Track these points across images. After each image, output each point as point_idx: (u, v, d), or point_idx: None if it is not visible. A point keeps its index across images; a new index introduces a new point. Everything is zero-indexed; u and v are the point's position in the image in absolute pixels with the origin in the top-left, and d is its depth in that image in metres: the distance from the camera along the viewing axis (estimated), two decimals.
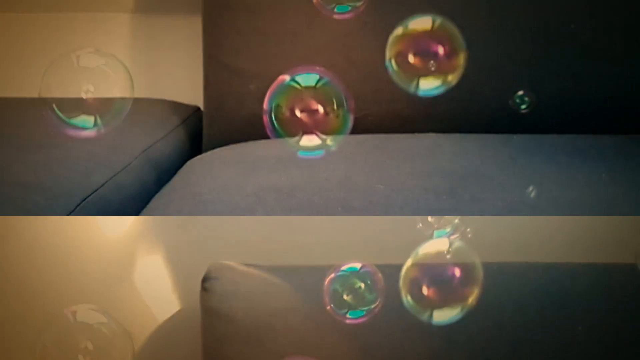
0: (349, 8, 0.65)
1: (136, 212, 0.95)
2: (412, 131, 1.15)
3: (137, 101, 1.40)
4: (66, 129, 0.66)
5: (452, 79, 0.61)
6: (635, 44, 1.20)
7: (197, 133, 1.31)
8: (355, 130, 1.17)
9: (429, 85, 0.61)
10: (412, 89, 0.61)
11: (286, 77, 0.65)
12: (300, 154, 0.64)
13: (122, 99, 0.67)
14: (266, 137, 1.18)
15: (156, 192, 1.00)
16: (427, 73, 0.60)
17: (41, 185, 0.91)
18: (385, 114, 1.20)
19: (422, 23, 0.62)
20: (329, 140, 0.64)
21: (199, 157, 1.16)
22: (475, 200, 0.85)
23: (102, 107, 0.67)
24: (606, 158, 1.04)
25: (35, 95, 1.43)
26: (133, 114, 1.29)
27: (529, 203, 0.85)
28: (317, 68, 0.65)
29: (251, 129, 1.21)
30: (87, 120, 0.68)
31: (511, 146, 1.08)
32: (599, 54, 1.20)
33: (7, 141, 1.07)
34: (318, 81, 0.64)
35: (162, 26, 1.50)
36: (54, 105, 0.64)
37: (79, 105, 0.67)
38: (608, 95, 1.21)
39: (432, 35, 0.61)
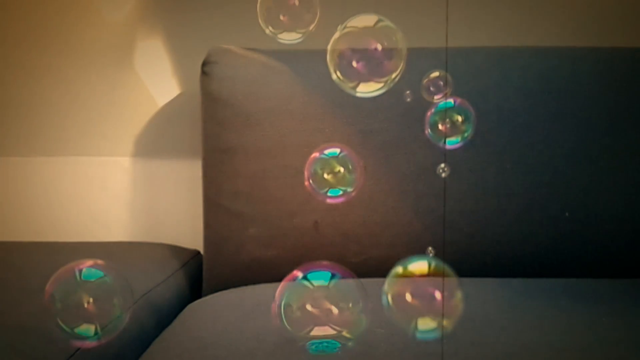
0: (341, 192, 0.67)
1: (136, 356, 0.94)
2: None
3: (137, 245, 1.42)
4: (70, 340, 0.67)
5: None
6: (633, 189, 1.23)
7: (197, 277, 1.31)
8: (355, 274, 1.18)
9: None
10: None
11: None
12: None
13: (122, 310, 0.69)
14: (266, 281, 1.19)
15: (156, 336, 0.99)
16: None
17: (41, 330, 0.90)
18: (385, 257, 1.21)
19: None
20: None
21: (199, 301, 1.16)
22: (476, 345, 0.85)
23: (102, 316, 0.69)
24: (606, 302, 1.04)
25: (36, 239, 1.45)
26: (133, 257, 1.31)
27: (529, 347, 0.84)
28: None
29: (251, 273, 1.21)
30: (88, 329, 0.69)
31: (511, 290, 1.08)
32: (597, 199, 1.22)
33: (7, 285, 1.07)
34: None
35: (162, 170, 1.53)
36: (59, 320, 0.66)
37: (81, 315, 0.68)
38: (607, 240, 1.22)
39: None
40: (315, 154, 0.65)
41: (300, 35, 0.60)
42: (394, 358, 0.82)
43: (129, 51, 1.51)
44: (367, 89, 0.59)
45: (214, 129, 1.27)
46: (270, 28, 0.59)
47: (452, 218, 1.21)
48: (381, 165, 1.20)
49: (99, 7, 1.49)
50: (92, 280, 0.68)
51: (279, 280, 1.19)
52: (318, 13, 0.59)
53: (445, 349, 0.83)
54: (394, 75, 0.59)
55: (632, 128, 1.24)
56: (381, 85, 0.59)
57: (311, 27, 0.59)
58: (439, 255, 0.71)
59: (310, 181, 0.64)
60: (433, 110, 0.66)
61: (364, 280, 1.14)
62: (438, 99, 0.68)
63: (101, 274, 0.67)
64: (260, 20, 0.58)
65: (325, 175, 0.65)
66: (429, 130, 0.66)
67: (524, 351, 0.83)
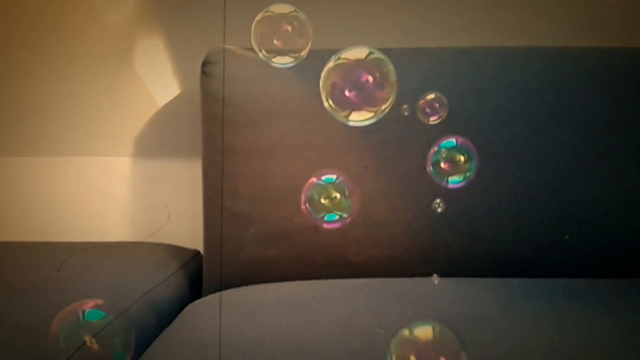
0: (336, 217, 0.68)
1: (136, 357, 0.94)
2: (412, 275, 1.15)
3: (137, 245, 1.42)
4: None
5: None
6: (633, 189, 1.23)
7: (197, 277, 1.31)
8: (355, 274, 1.19)
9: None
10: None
11: None
12: None
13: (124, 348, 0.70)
14: (265, 281, 1.19)
15: (156, 336, 0.99)
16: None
17: (41, 329, 0.90)
18: (385, 257, 1.21)
19: None
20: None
21: (198, 301, 1.16)
22: (476, 345, 0.85)
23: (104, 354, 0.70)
24: (605, 302, 1.04)
25: (36, 239, 1.45)
26: (133, 257, 1.31)
27: (529, 347, 0.84)
28: None
29: (251, 273, 1.21)
30: None
31: (511, 290, 1.08)
32: (597, 199, 1.23)
33: (7, 285, 1.07)
34: None
35: (162, 170, 1.53)
36: None
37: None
38: (607, 240, 1.22)
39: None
40: (313, 179, 0.65)
41: (292, 60, 0.60)
42: None
43: (129, 51, 1.51)
44: (359, 118, 0.60)
45: (214, 129, 1.27)
46: (264, 52, 0.60)
47: (452, 218, 1.21)
48: (381, 165, 1.20)
49: (99, 8, 1.49)
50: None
51: (279, 280, 1.20)
52: (311, 38, 0.60)
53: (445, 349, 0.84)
54: (384, 107, 0.60)
55: (632, 128, 1.24)
56: (371, 115, 0.59)
57: (303, 53, 0.60)
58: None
59: (307, 205, 0.65)
60: (435, 149, 0.66)
61: (364, 280, 1.15)
62: (433, 120, 0.68)
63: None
64: (253, 45, 0.59)
65: (322, 201, 0.65)
66: (431, 168, 0.66)
67: (524, 351, 0.83)
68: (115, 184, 1.54)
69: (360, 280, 1.14)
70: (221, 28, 1.40)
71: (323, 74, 0.59)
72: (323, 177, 0.66)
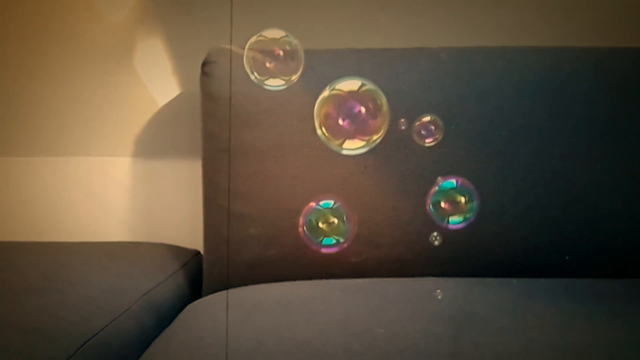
0: (334, 241, 0.69)
1: (136, 356, 0.94)
2: (412, 275, 1.15)
3: (137, 245, 1.42)
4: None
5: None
6: (633, 189, 1.23)
7: (197, 277, 1.31)
8: (355, 274, 1.19)
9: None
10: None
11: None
12: None
13: None
14: (265, 281, 1.19)
15: (156, 336, 0.99)
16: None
17: (41, 329, 0.90)
18: (385, 257, 1.21)
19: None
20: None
21: (199, 301, 1.16)
22: (476, 345, 0.85)
23: None
24: (605, 302, 1.04)
25: (36, 239, 1.45)
26: (133, 257, 1.31)
27: (529, 347, 0.84)
28: None
29: (251, 273, 1.21)
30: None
31: (511, 290, 1.08)
32: (597, 199, 1.23)
33: (6, 285, 1.07)
34: None
35: (162, 170, 1.53)
36: None
37: None
38: (607, 240, 1.22)
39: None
40: (312, 204, 0.66)
41: (284, 82, 0.62)
42: (394, 358, 0.82)
43: (129, 51, 1.51)
44: (352, 146, 0.61)
45: (214, 129, 1.27)
46: (256, 74, 0.61)
47: None
48: (381, 165, 1.20)
49: (99, 7, 1.49)
50: None
51: (279, 280, 1.20)
52: (303, 62, 0.61)
53: (445, 349, 0.84)
54: (375, 137, 0.61)
55: (632, 128, 1.24)
56: (364, 144, 0.60)
57: (294, 78, 0.61)
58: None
59: (305, 229, 0.66)
60: (436, 189, 0.67)
61: (363, 280, 1.15)
62: (429, 142, 0.69)
63: None
64: (246, 67, 0.61)
65: (320, 225, 0.67)
66: (431, 207, 0.67)
67: (524, 351, 0.83)
68: (115, 184, 1.54)
69: (360, 280, 1.14)
70: (221, 28, 1.40)
71: (317, 103, 0.60)
72: (321, 203, 0.67)
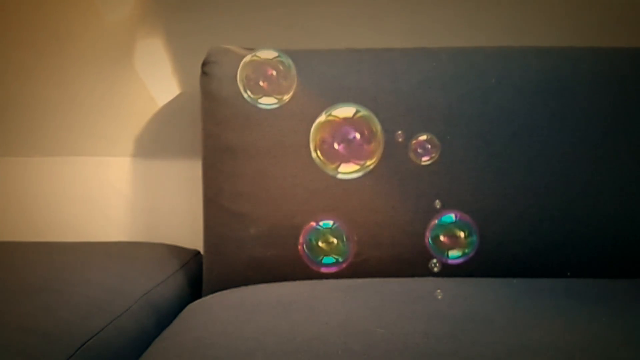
0: (334, 261, 0.70)
1: (136, 356, 0.94)
2: (412, 275, 1.15)
3: (137, 245, 1.42)
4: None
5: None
6: (633, 189, 1.23)
7: (197, 277, 1.31)
8: (355, 274, 1.19)
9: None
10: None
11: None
12: None
13: None
14: (265, 281, 1.19)
15: (156, 336, 0.99)
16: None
17: (41, 329, 0.90)
18: (385, 257, 1.21)
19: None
20: None
21: (199, 301, 1.16)
22: (476, 344, 0.85)
23: None
24: (605, 302, 1.04)
25: (36, 239, 1.45)
26: (133, 257, 1.31)
27: (530, 347, 0.84)
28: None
29: (251, 273, 1.21)
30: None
31: (511, 290, 1.08)
32: (597, 199, 1.23)
33: (6, 285, 1.07)
34: None
35: (162, 170, 1.53)
36: None
37: None
38: (607, 240, 1.22)
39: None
40: (312, 224, 0.67)
41: (276, 101, 0.63)
42: (394, 358, 0.82)
43: (129, 51, 1.51)
44: (347, 170, 0.62)
45: (214, 129, 1.27)
46: (249, 93, 0.62)
47: None
48: (381, 165, 1.20)
49: (99, 7, 1.49)
50: None
51: (279, 280, 1.20)
52: (295, 82, 0.62)
53: (445, 349, 0.84)
54: (368, 163, 0.62)
55: (632, 128, 1.24)
56: (358, 167, 0.61)
57: (285, 97, 0.63)
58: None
59: (304, 247, 0.67)
60: (435, 222, 0.67)
61: (363, 280, 1.14)
62: (425, 160, 0.70)
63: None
64: (239, 86, 0.61)
65: (320, 244, 0.67)
66: (430, 241, 0.67)
67: (524, 351, 0.83)
68: (115, 184, 1.54)
69: (360, 280, 1.14)
70: (221, 28, 1.41)
71: (313, 128, 0.61)
72: (321, 223, 0.68)
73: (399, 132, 0.69)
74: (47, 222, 1.54)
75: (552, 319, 0.94)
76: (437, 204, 0.92)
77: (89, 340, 0.93)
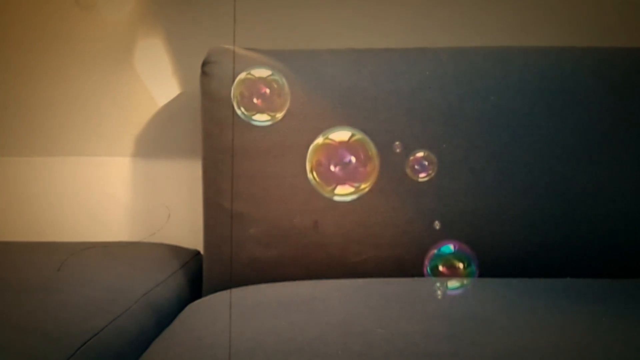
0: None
1: (136, 356, 0.94)
2: (412, 275, 1.15)
3: (137, 245, 1.42)
4: None
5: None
6: (633, 189, 1.23)
7: (197, 277, 1.31)
8: (355, 274, 1.19)
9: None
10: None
11: None
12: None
13: None
14: (265, 281, 1.19)
15: (156, 336, 0.99)
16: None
17: (41, 329, 0.90)
18: (385, 258, 1.21)
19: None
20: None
21: (199, 301, 1.16)
22: (476, 345, 0.85)
23: None
24: (605, 302, 1.04)
25: (36, 239, 1.45)
26: (133, 257, 1.31)
27: (530, 347, 0.84)
28: None
29: (251, 273, 1.21)
30: None
31: (511, 290, 1.08)
32: (597, 199, 1.23)
33: (6, 285, 1.07)
34: None
35: (162, 170, 1.53)
36: None
37: None
38: (607, 240, 1.22)
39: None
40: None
41: (269, 118, 0.63)
42: (394, 358, 0.82)
43: (129, 51, 1.51)
44: (342, 192, 0.62)
45: (214, 129, 1.27)
46: (243, 109, 0.63)
47: (452, 218, 1.21)
48: (381, 165, 1.20)
49: (99, 7, 1.49)
50: None
51: (279, 280, 1.20)
52: (288, 100, 0.63)
53: (445, 349, 0.84)
54: (363, 186, 0.62)
55: (632, 128, 1.24)
56: (353, 190, 0.62)
57: (278, 115, 0.63)
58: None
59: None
60: (434, 252, 0.67)
61: (364, 280, 1.14)
62: (422, 177, 0.70)
63: None
64: (233, 102, 0.62)
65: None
66: (428, 270, 0.67)
67: (524, 351, 0.83)
68: (115, 184, 1.54)
69: (360, 280, 1.14)
70: (221, 28, 1.41)
71: (310, 150, 0.62)
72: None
73: (397, 142, 0.70)
74: (47, 222, 1.54)
75: (552, 319, 0.94)
76: (437, 224, 0.93)
77: (89, 340, 0.93)
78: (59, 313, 0.97)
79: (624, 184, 1.23)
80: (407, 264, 1.20)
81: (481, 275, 1.14)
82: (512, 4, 1.47)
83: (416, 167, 0.71)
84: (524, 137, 1.23)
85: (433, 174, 0.70)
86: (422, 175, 0.71)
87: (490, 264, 1.20)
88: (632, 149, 1.24)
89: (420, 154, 0.71)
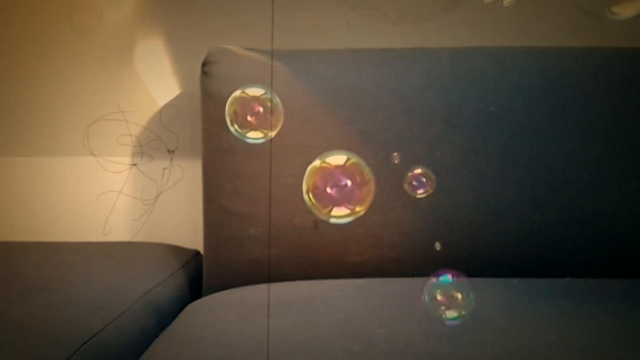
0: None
1: (136, 356, 0.94)
2: (412, 275, 1.15)
3: (137, 245, 1.42)
4: None
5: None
6: (633, 189, 1.23)
7: (197, 277, 1.31)
8: (355, 274, 1.19)
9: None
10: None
11: None
12: None
13: None
14: (266, 281, 1.19)
15: (156, 336, 0.99)
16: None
17: (41, 329, 0.90)
18: (385, 257, 1.21)
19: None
20: None
21: (199, 301, 1.16)
22: (476, 345, 0.85)
23: None
24: (605, 302, 1.04)
25: (36, 239, 1.45)
26: (133, 257, 1.31)
27: (530, 347, 0.84)
28: None
29: (251, 273, 1.21)
30: None
31: (511, 290, 1.08)
32: (597, 199, 1.23)
33: (6, 285, 1.07)
34: None
35: (162, 170, 1.53)
36: None
37: None
38: (607, 240, 1.22)
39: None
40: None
41: (262, 135, 0.64)
42: (394, 358, 0.82)
43: (129, 51, 1.51)
44: (338, 214, 0.63)
45: (214, 129, 1.27)
46: (236, 126, 0.64)
47: (452, 218, 1.21)
48: (381, 165, 1.20)
49: (99, 7, 1.49)
50: None
51: (279, 280, 1.20)
52: (282, 118, 0.63)
53: (445, 349, 0.84)
54: (358, 209, 0.63)
55: (631, 128, 1.24)
56: (348, 212, 0.63)
57: (271, 133, 0.64)
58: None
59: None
60: (433, 281, 0.68)
61: (364, 280, 1.15)
62: (421, 194, 0.71)
63: None
64: (227, 120, 0.63)
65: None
66: (426, 298, 0.68)
67: (524, 351, 0.83)
68: (115, 184, 1.54)
69: (360, 280, 1.14)
70: (221, 28, 1.41)
71: (306, 172, 0.62)
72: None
73: (395, 154, 0.71)
74: (47, 222, 1.54)
75: (552, 319, 0.94)
76: (437, 246, 0.93)
77: (89, 340, 0.93)
78: (59, 313, 0.97)
79: (624, 184, 1.23)
80: (407, 264, 1.20)
81: (481, 275, 1.15)
82: (512, 4, 1.47)
83: (414, 183, 0.71)
84: (524, 137, 1.23)
85: (431, 191, 0.71)
86: (420, 191, 0.72)
87: (490, 264, 1.21)
88: (632, 149, 1.24)
89: (418, 171, 0.71)
